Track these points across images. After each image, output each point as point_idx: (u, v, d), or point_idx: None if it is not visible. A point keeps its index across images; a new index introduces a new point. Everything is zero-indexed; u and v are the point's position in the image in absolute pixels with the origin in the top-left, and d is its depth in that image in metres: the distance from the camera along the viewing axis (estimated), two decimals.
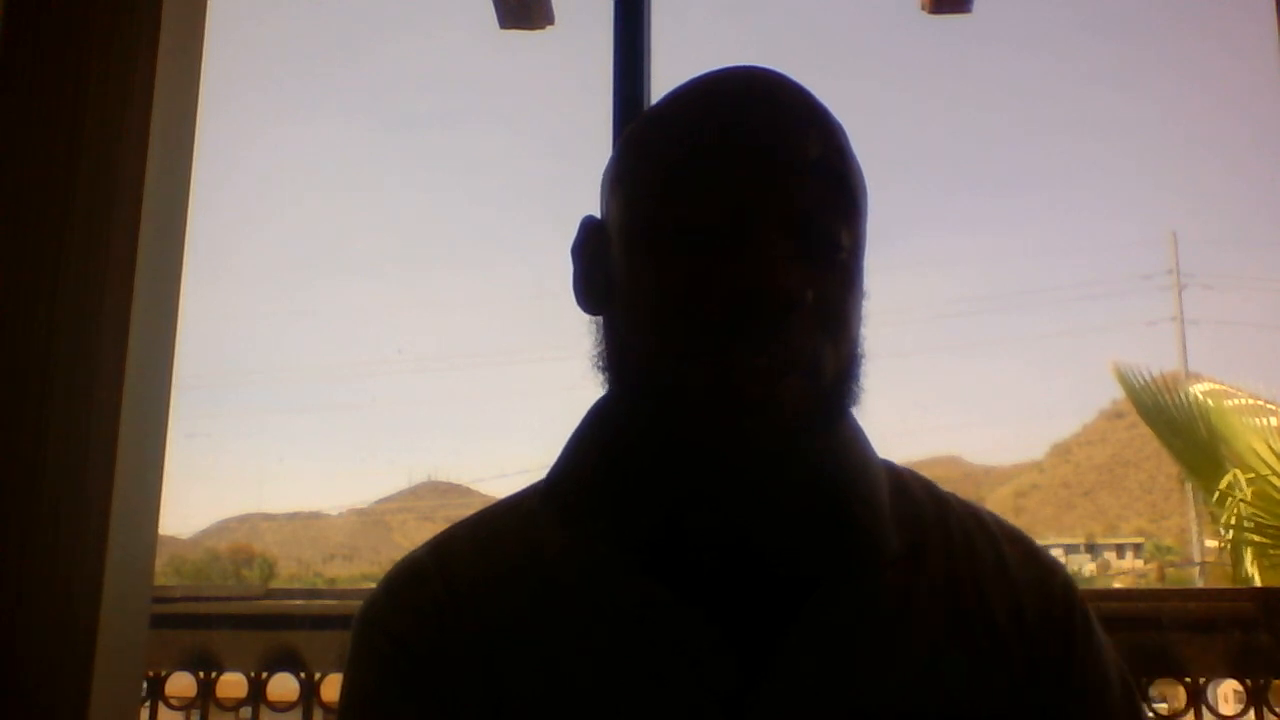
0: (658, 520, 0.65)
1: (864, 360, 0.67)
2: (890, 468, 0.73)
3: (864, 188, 0.67)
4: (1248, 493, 5.02)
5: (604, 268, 0.69)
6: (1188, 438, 5.88)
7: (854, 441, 0.70)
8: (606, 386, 0.71)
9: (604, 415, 0.72)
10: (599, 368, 0.70)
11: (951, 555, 0.69)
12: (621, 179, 0.70)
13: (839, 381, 0.65)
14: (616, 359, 0.68)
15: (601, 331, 0.70)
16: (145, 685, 2.30)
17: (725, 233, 0.62)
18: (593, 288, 0.71)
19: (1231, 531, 5.17)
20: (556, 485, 0.71)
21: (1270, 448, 5.23)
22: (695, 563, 0.64)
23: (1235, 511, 5.09)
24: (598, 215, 0.73)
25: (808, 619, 0.63)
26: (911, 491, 0.72)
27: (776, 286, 0.59)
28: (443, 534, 0.74)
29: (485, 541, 0.71)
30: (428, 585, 0.68)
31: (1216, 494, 5.25)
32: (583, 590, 0.65)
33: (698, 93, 0.68)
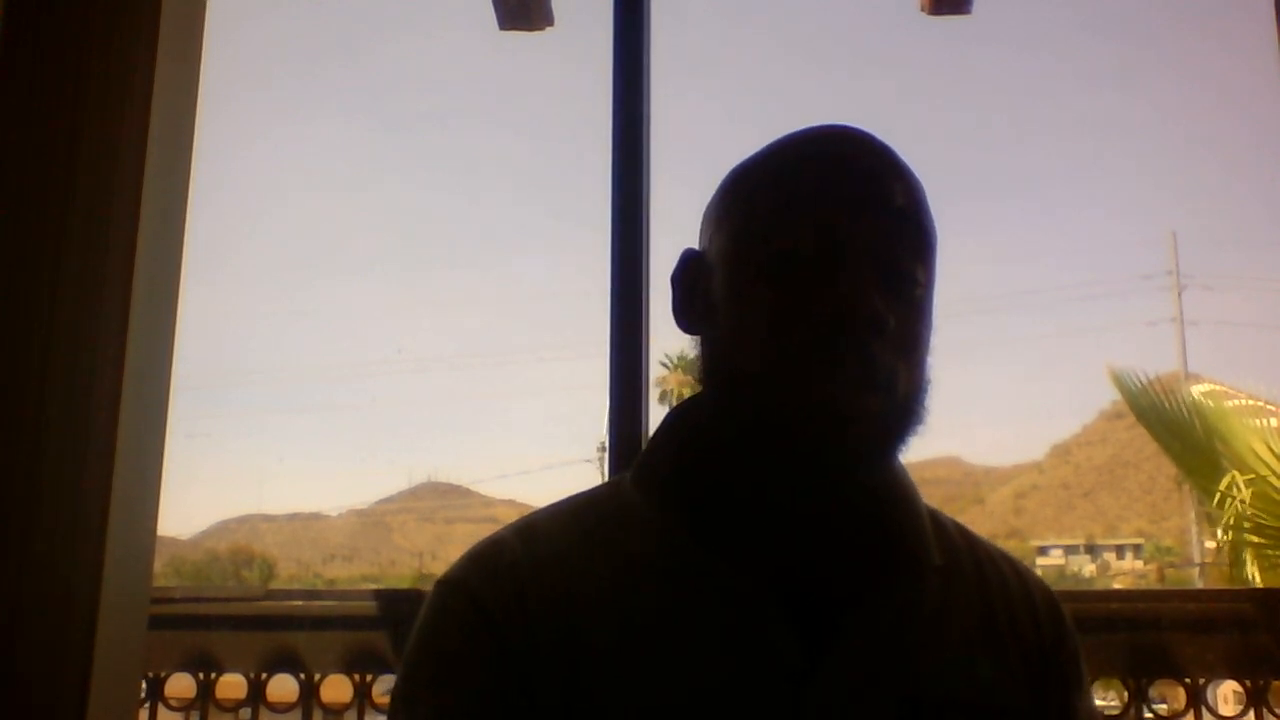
0: (740, 511, 0.74)
1: (931, 386, 0.77)
2: (929, 507, 0.82)
3: (936, 234, 0.77)
4: (1246, 494, 5.02)
5: (704, 293, 0.79)
6: (1186, 439, 5.88)
7: (904, 472, 0.80)
8: (709, 395, 0.79)
9: (692, 416, 0.80)
10: (698, 380, 0.80)
11: (980, 574, 0.80)
12: (729, 214, 0.79)
13: (910, 401, 0.74)
14: (720, 372, 0.77)
15: (702, 349, 0.80)
16: (145, 686, 2.30)
17: (822, 263, 0.71)
18: (693, 310, 0.81)
19: (1231, 533, 5.16)
20: (646, 471, 0.79)
21: (1270, 448, 5.23)
22: (770, 553, 0.73)
23: (1234, 512, 5.09)
24: (695, 248, 0.83)
25: (865, 611, 0.72)
26: (942, 521, 0.83)
27: (865, 310, 0.69)
28: (525, 517, 0.80)
29: (569, 521, 0.78)
30: (510, 555, 0.74)
31: (1217, 495, 5.25)
32: (663, 568, 0.72)
33: (799, 143, 0.79)
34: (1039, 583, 0.84)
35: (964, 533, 0.84)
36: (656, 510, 0.75)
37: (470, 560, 0.75)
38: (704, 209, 0.83)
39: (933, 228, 0.76)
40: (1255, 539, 5.07)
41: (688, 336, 0.82)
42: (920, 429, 0.76)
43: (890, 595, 0.73)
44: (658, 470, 0.78)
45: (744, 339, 0.74)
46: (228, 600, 3.49)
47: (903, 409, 0.73)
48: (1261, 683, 2.15)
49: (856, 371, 0.69)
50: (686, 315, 0.81)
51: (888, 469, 0.78)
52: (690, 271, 0.82)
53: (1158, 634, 2.26)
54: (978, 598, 0.78)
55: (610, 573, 0.73)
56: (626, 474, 0.82)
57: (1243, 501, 5.03)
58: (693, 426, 0.79)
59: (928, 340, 0.76)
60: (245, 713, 2.38)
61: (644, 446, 0.82)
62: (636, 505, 0.76)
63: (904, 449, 0.76)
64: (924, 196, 0.77)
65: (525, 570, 0.73)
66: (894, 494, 0.78)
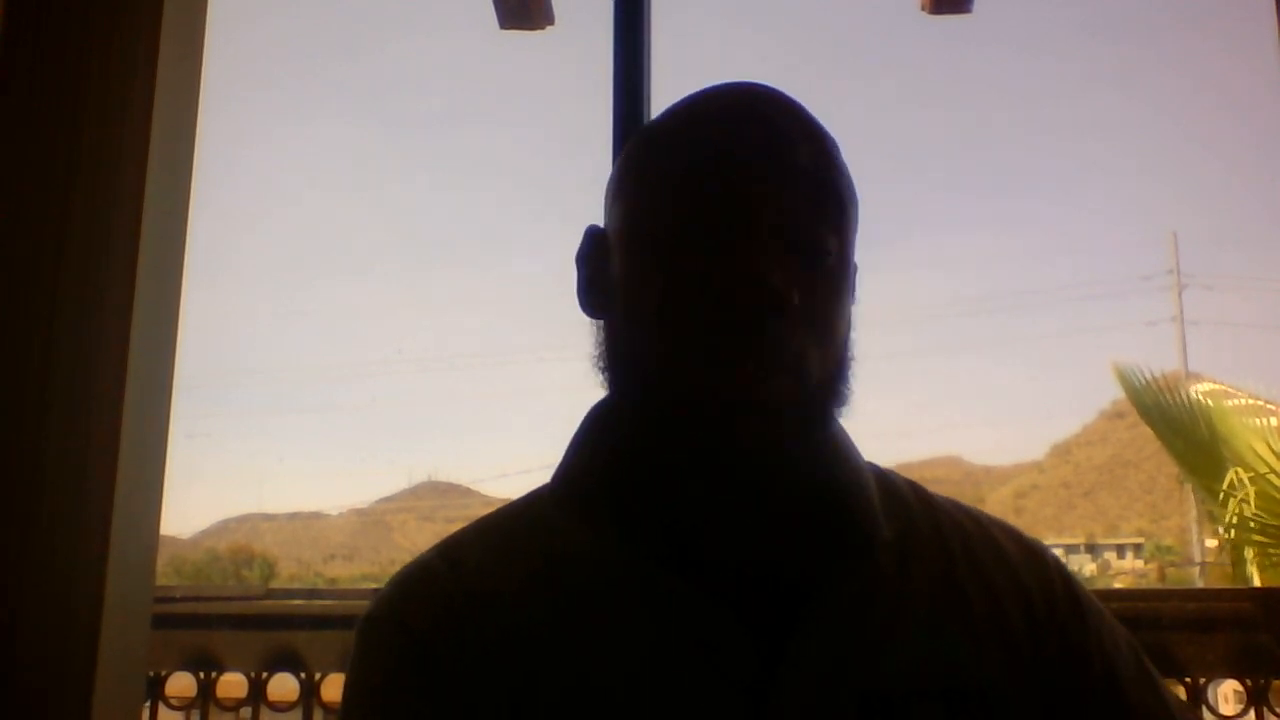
0: (668, 518, 0.68)
1: (853, 364, 0.71)
2: (877, 470, 0.76)
3: (853, 198, 0.71)
4: (1250, 493, 5.01)
5: (605, 274, 0.73)
6: (1188, 438, 5.87)
7: (841, 441, 0.73)
8: (607, 388, 0.74)
9: (606, 417, 0.74)
10: (599, 369, 0.74)
11: (943, 542, 0.72)
12: (622, 188, 0.73)
13: (826, 384, 0.68)
14: (615, 361, 0.72)
15: (602, 335, 0.73)
16: (145, 685, 2.30)
17: (716, 236, 0.65)
18: (595, 293, 0.74)
19: (1234, 531, 5.16)
20: (566, 487, 0.73)
21: (1270, 448, 5.23)
22: (705, 558, 0.67)
23: (1237, 512, 5.08)
24: (600, 225, 0.76)
25: (813, 606, 0.66)
26: (898, 489, 0.75)
27: (763, 284, 0.62)
28: (447, 539, 0.74)
29: (496, 544, 0.72)
30: (440, 583, 0.69)
31: (1221, 495, 5.25)
32: (602, 588, 0.67)
33: (694, 107, 0.72)
34: (1018, 542, 0.75)
35: (923, 496, 0.76)
36: (588, 527, 0.69)
37: (393, 588, 0.70)
38: (606, 176, 0.77)
39: (847, 192, 0.69)
40: (1260, 538, 5.06)
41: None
42: (841, 411, 0.71)
43: (837, 585, 0.66)
44: (576, 485, 0.72)
45: (636, 324, 0.68)
46: (228, 599, 3.49)
47: (818, 393, 0.67)
48: (1262, 682, 2.15)
49: (757, 354, 0.63)
50: (589, 299, 0.74)
51: (822, 447, 0.71)
52: (593, 250, 0.75)
53: (1158, 634, 2.25)
54: (940, 569, 0.70)
55: (549, 602, 0.67)
56: (545, 486, 0.75)
57: (1245, 501, 5.02)
58: (604, 429, 0.73)
59: (846, 315, 0.69)
60: (246, 712, 2.38)
61: (562, 456, 0.75)
62: (566, 525, 0.70)
63: (822, 432, 0.70)
64: (837, 158, 0.70)
65: (451, 586, 0.68)
66: (833, 474, 0.70)
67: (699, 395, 0.64)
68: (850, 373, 0.70)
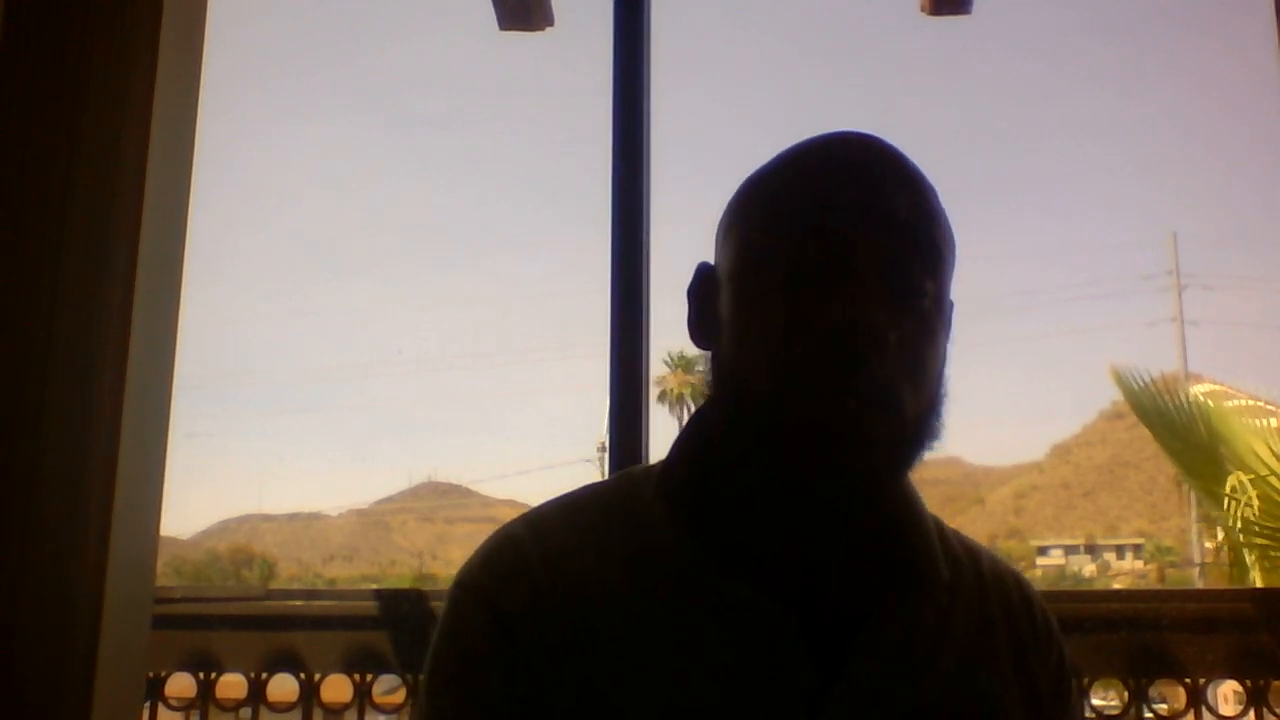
0: (752, 529, 0.74)
1: (945, 399, 0.76)
2: (932, 517, 0.82)
3: (950, 246, 0.76)
4: (1253, 495, 5.00)
5: (714, 308, 0.78)
6: (1187, 439, 5.87)
7: (910, 486, 0.79)
8: (714, 411, 0.78)
9: (704, 428, 0.79)
10: (710, 400, 0.79)
11: (981, 588, 0.80)
12: (734, 227, 0.78)
13: (919, 418, 0.72)
14: (725, 389, 0.76)
15: (711, 365, 0.79)
16: (145, 686, 2.30)
17: (823, 278, 0.70)
18: (704, 326, 0.80)
19: (1240, 537, 5.14)
20: (666, 478, 0.78)
21: (1270, 449, 5.23)
22: (781, 571, 0.73)
23: (1239, 515, 5.07)
24: (710, 262, 0.81)
25: (877, 629, 0.72)
26: (948, 536, 0.82)
27: (864, 323, 0.68)
28: (534, 511, 0.80)
29: (585, 526, 0.77)
30: (529, 564, 0.74)
31: (1224, 498, 5.24)
32: (681, 588, 0.72)
33: (806, 154, 0.77)
34: (1039, 599, 0.83)
35: (966, 544, 0.83)
36: (671, 524, 0.74)
37: (484, 560, 0.76)
38: (717, 220, 0.82)
39: (944, 238, 0.74)
40: (1262, 541, 5.04)
41: (690, 341, 0.81)
42: (933, 446, 0.75)
43: (901, 612, 0.73)
44: (674, 479, 0.77)
45: (746, 356, 0.73)
46: (228, 600, 3.49)
47: (912, 430, 0.71)
48: (1261, 683, 2.15)
49: (857, 389, 0.68)
50: (698, 330, 0.80)
51: (899, 485, 0.77)
52: (703, 286, 0.80)
53: (1158, 634, 2.26)
54: (978, 612, 0.78)
55: (623, 572, 0.73)
56: (636, 469, 0.82)
57: (1247, 504, 5.01)
58: (706, 440, 0.78)
59: (940, 354, 0.74)
60: (245, 712, 2.38)
61: (663, 451, 0.81)
62: (651, 506, 0.76)
63: (914, 468, 0.75)
64: (935, 205, 0.75)
65: (538, 567, 0.73)
66: (905, 510, 0.77)
67: (805, 424, 0.68)
68: (942, 407, 0.75)
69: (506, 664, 0.70)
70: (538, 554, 0.74)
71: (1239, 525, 5.05)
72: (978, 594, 0.79)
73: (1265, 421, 5.53)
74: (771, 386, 0.70)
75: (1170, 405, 5.99)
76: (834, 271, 0.70)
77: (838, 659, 0.70)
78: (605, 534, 0.76)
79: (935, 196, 0.75)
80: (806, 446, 0.68)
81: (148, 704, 2.29)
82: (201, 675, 2.35)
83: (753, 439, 0.72)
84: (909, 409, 0.70)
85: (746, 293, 0.74)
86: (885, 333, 0.68)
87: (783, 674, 0.69)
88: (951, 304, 0.77)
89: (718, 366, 0.77)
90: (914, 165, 0.76)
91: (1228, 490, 5.18)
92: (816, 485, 0.70)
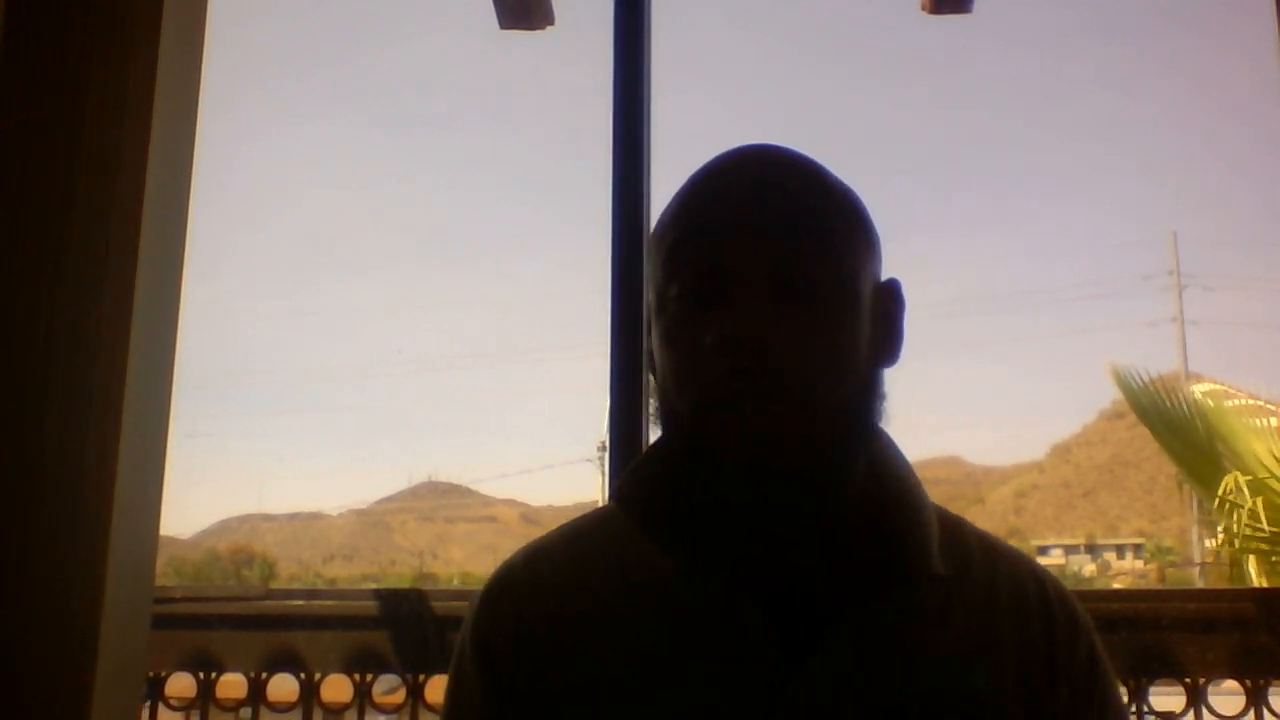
0: (717, 529, 0.76)
1: (878, 384, 0.78)
2: (950, 517, 0.83)
3: (849, 228, 0.77)
4: (1250, 499, 5.00)
5: (649, 337, 0.83)
6: (1187, 439, 5.87)
7: (890, 467, 0.80)
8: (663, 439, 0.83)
9: (661, 445, 0.83)
10: (656, 419, 0.83)
11: (992, 586, 0.79)
12: (648, 260, 0.83)
13: (843, 406, 0.74)
14: (660, 414, 0.81)
15: (654, 388, 0.83)
16: (145, 686, 2.30)
17: (713, 292, 0.74)
18: (648, 355, 0.84)
19: (1237, 541, 5.13)
20: (627, 493, 0.82)
21: (1270, 449, 5.23)
22: (751, 566, 0.75)
23: (1238, 518, 5.06)
24: None
25: (853, 619, 0.72)
26: (963, 536, 0.82)
27: (744, 332, 0.70)
28: (535, 544, 0.86)
29: (568, 543, 0.84)
30: (521, 603, 0.80)
31: (1217, 500, 5.23)
32: (650, 585, 0.76)
33: (695, 176, 0.81)
34: (1065, 599, 0.82)
35: (986, 542, 0.83)
36: (640, 530, 0.78)
37: (482, 598, 0.82)
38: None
39: (835, 223, 0.76)
40: (1263, 546, 5.03)
41: None
42: (873, 422, 0.78)
43: (881, 603, 0.73)
44: (636, 492, 0.81)
45: (665, 379, 0.78)
46: (228, 600, 3.49)
47: (836, 415, 0.74)
48: (1262, 682, 2.15)
49: (759, 392, 0.71)
50: (647, 359, 0.84)
51: (868, 471, 0.78)
52: (646, 320, 0.84)
53: (1158, 634, 2.26)
54: (984, 609, 0.77)
55: (602, 590, 0.78)
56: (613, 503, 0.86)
57: (1250, 508, 5.00)
58: (664, 456, 0.82)
59: (856, 335, 0.75)
60: (245, 712, 2.38)
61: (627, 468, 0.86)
62: (625, 526, 0.79)
63: (855, 450, 0.77)
64: (821, 194, 0.77)
65: (524, 595, 0.79)
66: (879, 499, 0.78)
67: (718, 437, 0.72)
68: (875, 389, 0.77)
69: (489, 695, 0.77)
70: (527, 587, 0.80)
71: (1241, 530, 5.05)
72: (986, 590, 0.78)
73: (1265, 421, 5.54)
74: (688, 410, 0.74)
75: (1170, 405, 6.00)
76: (711, 293, 0.74)
77: (810, 648, 0.72)
78: (588, 556, 0.81)
79: (821, 186, 0.78)
80: (726, 457, 0.72)
81: (148, 704, 2.29)
82: (201, 675, 2.35)
83: (689, 456, 0.76)
84: (821, 397, 0.72)
85: (656, 317, 0.79)
86: (764, 336, 0.71)
87: (747, 663, 0.71)
88: (887, 283, 0.80)
89: (656, 391, 0.82)
90: (799, 162, 0.78)
91: (1224, 493, 5.18)
92: (748, 482, 0.73)
